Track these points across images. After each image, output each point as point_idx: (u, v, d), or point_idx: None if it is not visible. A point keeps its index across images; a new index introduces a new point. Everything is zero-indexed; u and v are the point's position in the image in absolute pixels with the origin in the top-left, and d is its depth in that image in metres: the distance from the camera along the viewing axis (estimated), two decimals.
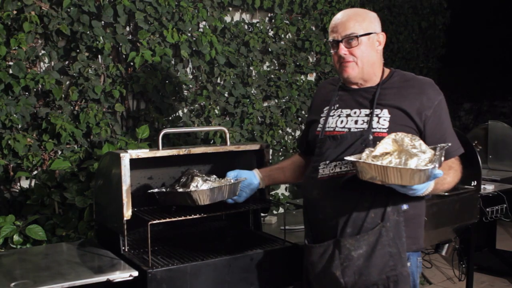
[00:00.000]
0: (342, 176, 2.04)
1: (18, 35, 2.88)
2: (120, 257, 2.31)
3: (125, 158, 2.23)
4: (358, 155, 1.90)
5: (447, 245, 4.14)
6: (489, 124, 4.90)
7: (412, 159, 1.79)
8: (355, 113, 2.12)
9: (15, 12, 2.93)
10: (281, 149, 4.19)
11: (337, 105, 2.19)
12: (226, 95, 3.83)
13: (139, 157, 2.28)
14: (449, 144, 1.96)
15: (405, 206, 2.02)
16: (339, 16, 2.13)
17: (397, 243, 1.98)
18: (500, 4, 7.12)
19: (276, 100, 4.15)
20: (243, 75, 3.88)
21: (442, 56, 6.05)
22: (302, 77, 4.33)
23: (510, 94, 7.57)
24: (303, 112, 4.30)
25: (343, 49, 2.08)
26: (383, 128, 2.02)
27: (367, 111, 2.09)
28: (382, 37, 2.13)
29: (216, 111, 3.71)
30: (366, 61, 2.09)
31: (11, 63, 2.91)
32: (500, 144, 4.80)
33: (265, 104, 4.11)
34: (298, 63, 4.28)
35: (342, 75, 2.13)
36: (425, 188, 1.85)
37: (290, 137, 4.26)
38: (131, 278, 2.13)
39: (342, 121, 2.14)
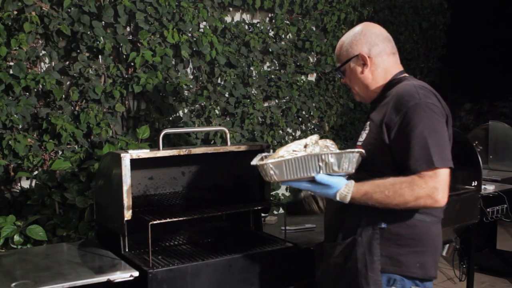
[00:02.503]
0: None
1: (18, 35, 2.88)
2: (121, 257, 2.31)
3: (126, 158, 2.23)
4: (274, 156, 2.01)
5: (447, 245, 4.14)
6: (489, 124, 4.90)
7: (273, 158, 1.91)
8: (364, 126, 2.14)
9: (15, 12, 2.93)
10: None
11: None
12: (226, 95, 3.82)
13: (140, 157, 2.28)
14: (357, 150, 1.88)
15: (383, 224, 1.93)
16: None
17: (366, 260, 1.93)
18: (500, 5, 7.11)
19: (277, 100, 4.15)
20: (244, 75, 3.88)
21: (443, 56, 6.03)
22: (303, 77, 4.32)
23: (511, 94, 7.56)
24: (303, 112, 4.30)
25: (341, 80, 2.21)
26: (361, 141, 2.04)
27: (365, 124, 2.12)
28: (364, 58, 2.06)
29: (217, 112, 3.70)
30: (356, 86, 2.14)
31: (11, 63, 2.91)
32: (500, 144, 4.80)
33: (266, 104, 4.11)
34: (298, 63, 4.28)
35: None
36: (331, 191, 1.87)
37: (291, 137, 4.26)
38: (131, 278, 2.14)
39: (361, 135, 2.13)
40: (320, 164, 1.85)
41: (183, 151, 2.40)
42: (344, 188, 1.87)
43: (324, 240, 2.18)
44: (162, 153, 2.36)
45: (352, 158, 1.88)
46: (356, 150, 1.89)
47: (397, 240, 1.94)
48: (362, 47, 2.06)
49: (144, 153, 2.30)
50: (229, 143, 2.58)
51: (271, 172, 1.88)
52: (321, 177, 1.85)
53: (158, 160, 2.45)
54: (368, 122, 2.06)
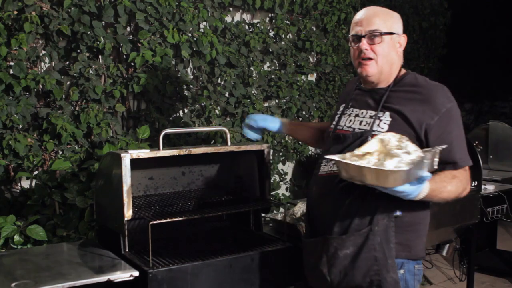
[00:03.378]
0: (337, 174, 2.02)
1: (19, 35, 2.87)
2: (121, 257, 2.31)
3: (126, 158, 2.23)
4: (342, 155, 1.89)
5: (447, 245, 4.15)
6: (489, 124, 4.90)
7: (391, 160, 1.76)
8: (362, 113, 2.13)
9: (15, 12, 2.92)
10: (282, 149, 4.19)
11: (351, 104, 2.21)
12: (226, 95, 3.82)
13: (140, 157, 2.28)
14: (443, 147, 1.90)
15: (398, 212, 1.98)
16: (364, 11, 2.11)
17: (384, 248, 1.95)
18: (501, 5, 7.12)
19: (277, 100, 4.15)
20: (244, 75, 3.88)
21: (443, 57, 6.04)
22: (303, 77, 4.32)
23: (511, 94, 7.57)
24: (303, 112, 4.30)
25: (365, 44, 2.06)
26: (381, 132, 2.01)
27: (372, 113, 2.09)
28: (403, 39, 2.11)
29: (217, 111, 3.70)
30: (386, 60, 2.07)
31: (11, 63, 2.91)
32: (500, 144, 4.81)
33: (266, 104, 4.11)
34: (298, 63, 4.28)
35: (361, 72, 2.11)
36: (416, 192, 1.81)
37: (291, 137, 4.26)
38: (131, 278, 2.14)
39: (350, 121, 2.16)
40: (427, 161, 1.80)
41: (183, 151, 2.40)
42: (426, 185, 1.83)
43: (323, 233, 2.08)
44: (162, 153, 2.35)
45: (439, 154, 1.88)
46: (444, 146, 1.91)
47: (407, 227, 2.01)
48: (402, 31, 2.13)
49: (144, 153, 2.30)
50: (229, 143, 2.57)
51: (403, 177, 1.72)
52: (428, 175, 1.79)
53: (158, 160, 2.45)
54: (389, 113, 2.03)
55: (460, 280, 4.28)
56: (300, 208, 2.85)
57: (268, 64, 4.12)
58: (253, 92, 3.95)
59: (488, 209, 3.75)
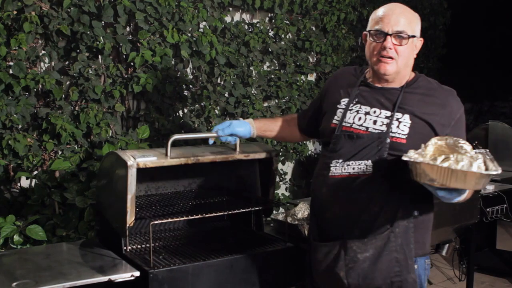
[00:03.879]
0: (354, 176, 2.01)
1: (18, 35, 2.87)
2: (122, 257, 2.30)
3: (133, 168, 2.16)
4: (408, 155, 1.79)
5: (447, 245, 4.14)
6: (489, 124, 4.90)
7: (475, 162, 1.71)
8: (374, 112, 2.06)
9: (15, 12, 2.92)
10: (282, 149, 4.19)
11: (357, 100, 2.13)
12: (226, 95, 3.82)
13: (147, 166, 2.22)
14: (488, 150, 1.89)
15: (416, 213, 2.00)
16: (391, 8, 2.07)
17: (404, 249, 1.97)
18: (501, 5, 7.11)
19: (277, 100, 4.15)
20: (243, 75, 3.87)
21: (443, 56, 6.04)
22: (303, 77, 4.32)
23: (511, 94, 7.56)
24: None
25: (389, 43, 2.02)
26: (402, 134, 1.99)
27: (388, 113, 2.04)
28: (419, 43, 2.11)
29: (217, 111, 3.70)
30: (405, 62, 2.05)
31: (11, 63, 2.91)
32: (500, 144, 4.80)
33: (266, 104, 4.10)
34: (298, 63, 4.27)
35: (378, 69, 2.06)
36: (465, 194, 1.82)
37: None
38: (132, 278, 2.13)
39: (360, 118, 2.07)
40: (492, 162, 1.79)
41: (191, 160, 2.36)
42: None
43: (337, 236, 2.04)
44: (170, 162, 2.28)
45: None
46: (487, 150, 1.90)
47: (420, 224, 2.04)
48: (420, 33, 2.13)
49: (151, 162, 2.23)
50: (237, 149, 2.51)
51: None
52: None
53: None
54: (408, 115, 2.01)
55: (460, 280, 4.28)
56: (301, 208, 2.84)
57: (267, 64, 4.12)
58: (252, 92, 3.95)
59: (488, 209, 3.75)
